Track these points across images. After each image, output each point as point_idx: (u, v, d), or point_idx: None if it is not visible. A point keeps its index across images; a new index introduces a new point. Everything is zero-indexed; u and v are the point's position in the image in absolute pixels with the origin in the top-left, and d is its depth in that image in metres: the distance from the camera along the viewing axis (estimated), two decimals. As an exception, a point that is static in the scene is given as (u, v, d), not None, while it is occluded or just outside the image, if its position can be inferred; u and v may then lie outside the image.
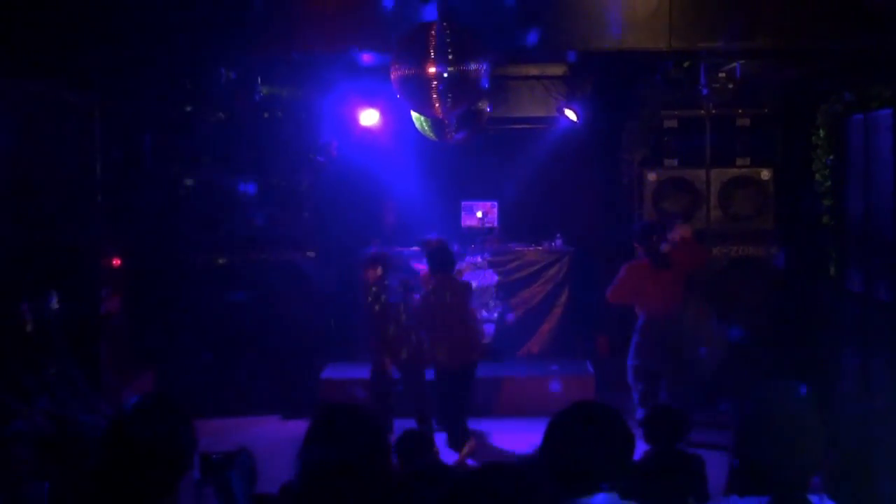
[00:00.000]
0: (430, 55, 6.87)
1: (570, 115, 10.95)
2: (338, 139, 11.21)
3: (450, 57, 6.85)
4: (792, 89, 10.31)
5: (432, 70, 6.86)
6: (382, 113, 10.89)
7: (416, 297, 8.94)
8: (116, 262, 9.71)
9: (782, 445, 2.77)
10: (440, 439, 8.41)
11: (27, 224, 8.46)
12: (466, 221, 11.80)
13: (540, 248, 11.57)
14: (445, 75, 6.86)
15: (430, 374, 9.03)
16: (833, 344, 9.21)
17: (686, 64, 9.43)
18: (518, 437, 9.05)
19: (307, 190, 10.86)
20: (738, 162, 10.53)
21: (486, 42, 7.39)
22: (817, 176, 9.33)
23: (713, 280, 10.11)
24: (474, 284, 9.77)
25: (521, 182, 11.97)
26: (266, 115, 10.45)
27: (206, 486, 4.45)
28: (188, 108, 10.32)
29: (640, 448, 4.94)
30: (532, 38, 7.94)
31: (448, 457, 8.33)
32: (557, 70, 11.41)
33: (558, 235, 11.64)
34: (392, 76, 7.18)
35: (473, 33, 7.23)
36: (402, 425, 7.27)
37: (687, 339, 8.90)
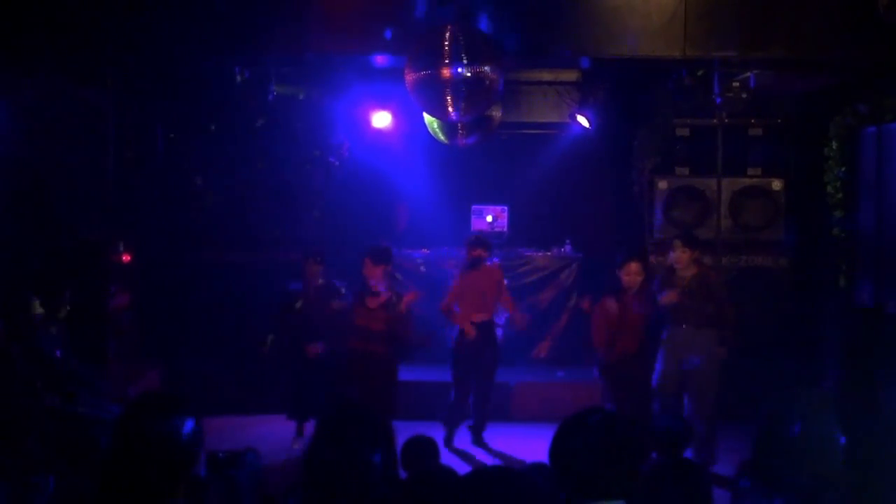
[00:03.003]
0: (444, 58, 6.87)
1: (583, 121, 10.94)
2: (350, 141, 11.23)
3: (464, 60, 6.85)
4: (805, 100, 10.30)
5: (447, 73, 6.86)
6: (395, 115, 10.89)
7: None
8: (126, 258, 9.74)
9: (800, 452, 2.76)
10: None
11: (38, 220, 8.49)
12: (476, 225, 11.79)
13: (549, 253, 11.57)
14: (460, 79, 6.86)
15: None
16: (841, 357, 9.18)
17: (700, 72, 9.40)
18: (523, 443, 9.04)
19: (318, 190, 10.88)
20: (750, 172, 10.52)
21: (500, 46, 7.39)
22: (829, 188, 9.31)
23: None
24: None
25: (531, 187, 11.97)
26: (279, 115, 10.47)
27: (212, 484, 4.44)
28: (201, 107, 10.34)
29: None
30: (546, 43, 7.94)
31: (452, 461, 8.34)
32: (571, 76, 11.41)
33: (568, 241, 11.63)
34: (406, 78, 7.18)
35: (488, 37, 7.24)
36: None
37: None
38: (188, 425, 2.91)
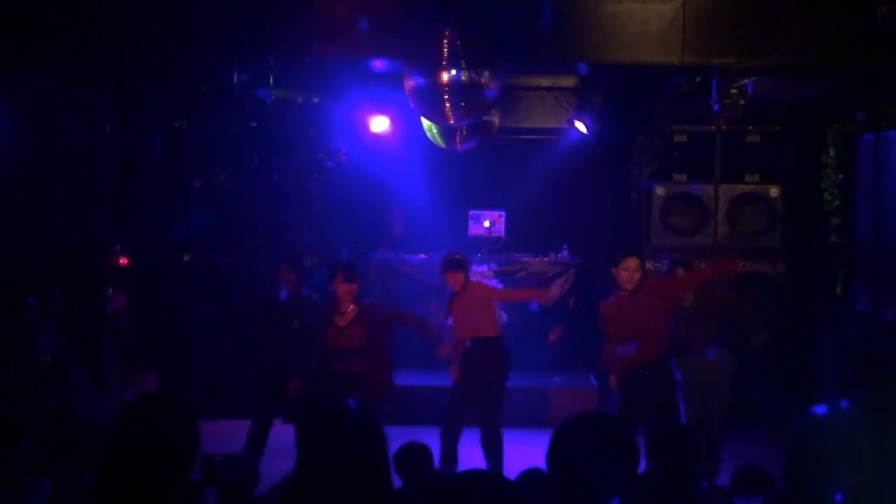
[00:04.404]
0: (443, 63, 6.87)
1: (581, 126, 10.95)
2: (348, 145, 11.24)
3: (463, 66, 6.85)
4: (803, 107, 10.31)
5: (445, 78, 6.86)
6: (393, 120, 10.91)
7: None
8: (123, 261, 9.74)
9: (836, 470, 2.75)
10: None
11: (35, 221, 8.49)
12: (474, 230, 11.80)
13: (546, 259, 11.58)
14: (458, 84, 6.86)
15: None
16: (838, 363, 9.19)
17: (698, 79, 9.41)
18: (519, 448, 9.04)
19: (315, 195, 10.89)
20: (747, 178, 10.52)
21: (498, 52, 7.40)
22: (826, 195, 9.31)
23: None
24: None
25: (529, 193, 11.99)
26: (277, 119, 10.48)
27: (207, 487, 4.45)
28: (200, 110, 10.35)
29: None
30: (544, 48, 7.94)
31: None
32: (568, 81, 11.42)
33: (565, 247, 11.64)
34: (405, 84, 7.19)
35: (486, 42, 7.24)
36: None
37: None
38: (184, 429, 2.90)
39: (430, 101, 7.08)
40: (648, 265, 10.45)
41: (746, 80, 9.09)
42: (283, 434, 9.11)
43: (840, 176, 9.13)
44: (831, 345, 9.40)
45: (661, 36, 7.70)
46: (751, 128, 10.46)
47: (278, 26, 7.84)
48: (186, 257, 10.56)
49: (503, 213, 11.89)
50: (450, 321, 8.49)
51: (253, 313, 8.96)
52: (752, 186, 10.48)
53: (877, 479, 2.78)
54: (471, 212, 11.86)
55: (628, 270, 7.73)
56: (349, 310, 7.87)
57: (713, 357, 8.29)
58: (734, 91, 9.33)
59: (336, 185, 11.18)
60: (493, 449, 8.45)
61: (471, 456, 9.00)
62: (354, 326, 7.83)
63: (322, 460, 2.95)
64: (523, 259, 11.50)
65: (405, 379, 10.30)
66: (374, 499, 2.94)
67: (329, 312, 7.95)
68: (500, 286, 10.44)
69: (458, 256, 8.50)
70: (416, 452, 5.58)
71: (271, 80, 9.62)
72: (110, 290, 9.36)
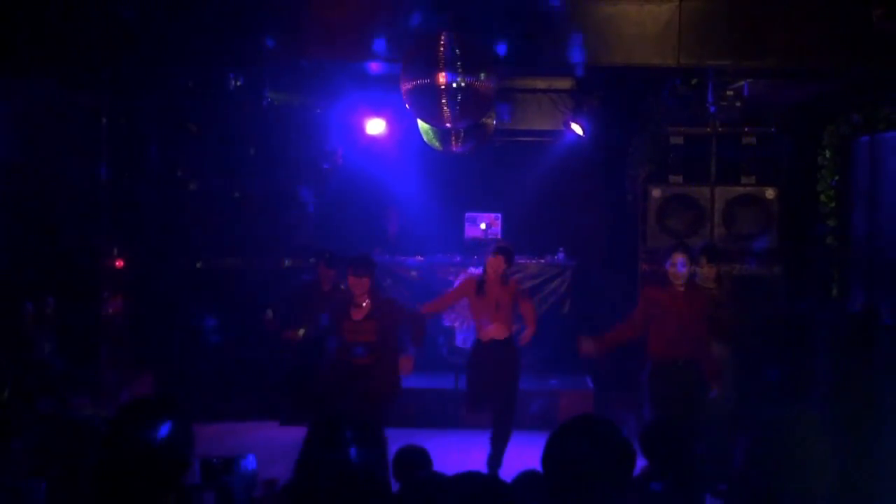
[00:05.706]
0: (439, 65, 6.88)
1: (577, 129, 10.95)
2: (344, 147, 11.24)
3: (459, 68, 6.86)
4: (799, 109, 10.31)
5: (442, 80, 6.87)
6: (389, 122, 10.90)
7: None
8: (119, 263, 9.73)
9: (790, 473, 2.76)
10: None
11: (32, 225, 8.48)
12: (470, 233, 11.80)
13: (542, 261, 11.57)
14: (455, 86, 6.86)
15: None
16: (833, 366, 9.18)
17: (694, 81, 9.42)
18: (515, 450, 9.03)
19: (311, 197, 10.88)
20: (744, 180, 10.52)
21: (495, 54, 7.41)
22: (822, 196, 9.32)
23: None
24: None
25: (525, 195, 11.98)
26: (272, 121, 10.48)
27: (206, 490, 4.44)
28: (195, 113, 10.35)
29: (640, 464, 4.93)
30: (540, 50, 7.95)
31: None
32: (565, 84, 11.42)
33: (561, 249, 11.63)
34: (401, 86, 7.19)
35: (483, 44, 7.25)
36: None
37: None
38: (179, 431, 2.90)
39: (427, 103, 7.08)
40: (644, 267, 10.48)
41: (742, 82, 9.10)
42: (281, 436, 9.13)
43: (836, 178, 9.14)
44: (828, 347, 9.40)
45: (656, 38, 7.72)
46: (747, 129, 10.45)
47: (273, 30, 7.84)
48: (198, 264, 10.54)
49: (499, 215, 11.90)
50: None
51: (295, 290, 8.96)
52: (748, 188, 10.47)
53: (835, 483, 2.79)
54: (467, 214, 11.86)
55: (674, 265, 7.67)
56: (364, 304, 7.82)
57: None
58: (730, 93, 9.34)
59: (332, 188, 11.19)
60: (502, 442, 8.47)
61: (469, 458, 9.01)
62: (369, 321, 7.78)
63: (320, 463, 2.95)
64: (519, 261, 11.46)
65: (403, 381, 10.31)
66: (372, 501, 2.94)
67: (345, 305, 7.93)
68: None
69: (503, 243, 8.61)
70: (413, 455, 5.58)
71: (267, 84, 9.63)
72: (107, 293, 9.35)
